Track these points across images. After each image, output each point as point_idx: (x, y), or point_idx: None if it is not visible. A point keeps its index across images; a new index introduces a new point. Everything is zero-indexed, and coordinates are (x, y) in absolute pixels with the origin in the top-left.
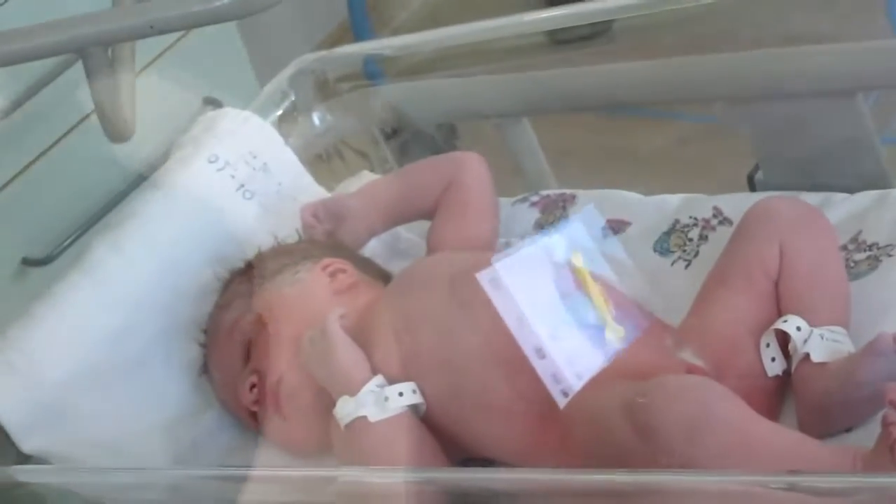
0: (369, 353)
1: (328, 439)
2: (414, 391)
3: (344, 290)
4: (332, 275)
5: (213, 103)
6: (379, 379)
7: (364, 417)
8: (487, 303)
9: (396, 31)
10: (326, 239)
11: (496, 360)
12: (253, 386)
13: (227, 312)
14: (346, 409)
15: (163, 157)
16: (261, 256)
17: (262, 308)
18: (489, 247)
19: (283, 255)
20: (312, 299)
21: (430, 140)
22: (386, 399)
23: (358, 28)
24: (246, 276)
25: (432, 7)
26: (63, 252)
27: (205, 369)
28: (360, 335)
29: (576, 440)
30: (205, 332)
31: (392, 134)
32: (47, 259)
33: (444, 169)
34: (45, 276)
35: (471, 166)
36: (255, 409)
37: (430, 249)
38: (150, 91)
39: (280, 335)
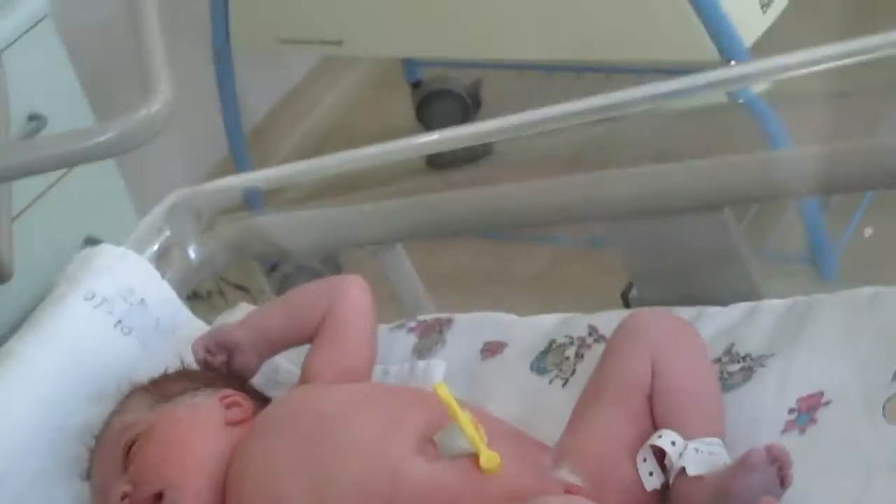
0: (240, 497)
1: None
2: None
3: (236, 422)
4: (228, 406)
5: (93, 243)
6: None
7: None
8: (355, 442)
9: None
10: (223, 370)
11: (374, 498)
12: (125, 496)
13: (119, 420)
14: None
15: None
16: (166, 376)
17: (154, 424)
18: (363, 377)
19: (186, 379)
20: (202, 427)
21: (313, 273)
22: None
23: (238, 162)
24: (147, 391)
25: (315, 140)
26: None
27: (88, 474)
28: (234, 480)
29: None
30: (95, 437)
31: (273, 267)
32: None
33: (325, 296)
34: None
35: (350, 292)
36: None
37: (303, 379)
38: (30, 232)
39: (163, 453)
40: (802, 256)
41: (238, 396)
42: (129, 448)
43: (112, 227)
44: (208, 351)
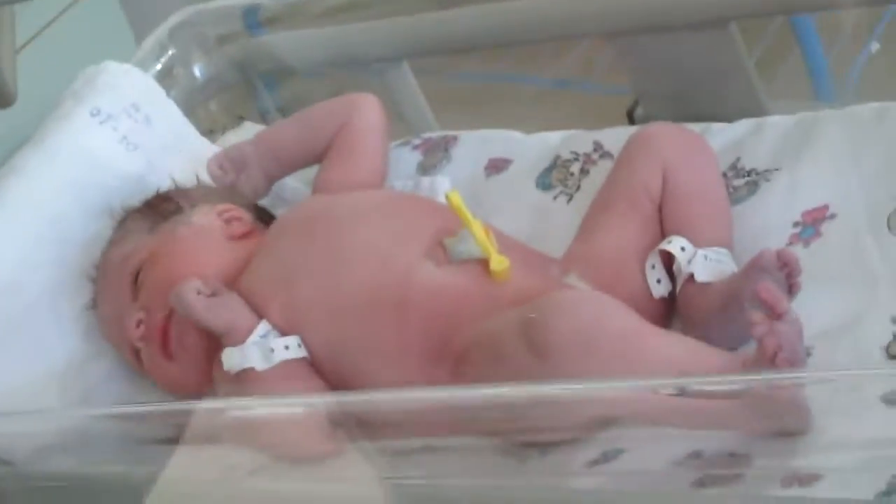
0: (254, 303)
1: (209, 381)
2: (299, 345)
3: (237, 236)
4: (228, 221)
5: None
6: (264, 326)
7: (252, 368)
8: (367, 246)
9: None
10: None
11: (381, 302)
12: (140, 322)
13: (120, 248)
14: (232, 360)
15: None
16: (158, 196)
17: (156, 246)
18: (374, 189)
19: (180, 197)
20: (205, 243)
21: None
22: (272, 350)
23: None
24: (141, 213)
25: None
26: None
27: (93, 304)
28: (246, 285)
29: (471, 373)
30: (96, 267)
31: (274, 84)
32: None
33: (339, 111)
34: None
35: (365, 108)
36: (139, 345)
37: (315, 191)
38: (33, 66)
39: (170, 275)
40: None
41: (237, 210)
42: (136, 276)
43: (111, 55)
44: (221, 167)
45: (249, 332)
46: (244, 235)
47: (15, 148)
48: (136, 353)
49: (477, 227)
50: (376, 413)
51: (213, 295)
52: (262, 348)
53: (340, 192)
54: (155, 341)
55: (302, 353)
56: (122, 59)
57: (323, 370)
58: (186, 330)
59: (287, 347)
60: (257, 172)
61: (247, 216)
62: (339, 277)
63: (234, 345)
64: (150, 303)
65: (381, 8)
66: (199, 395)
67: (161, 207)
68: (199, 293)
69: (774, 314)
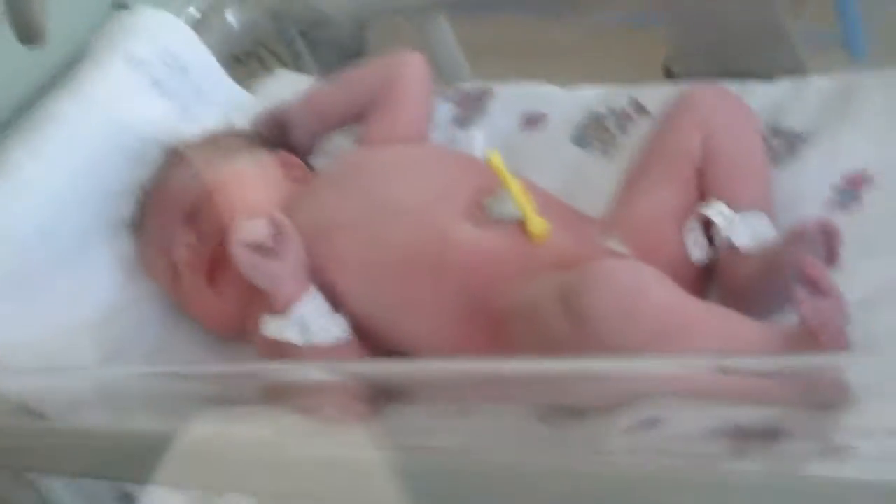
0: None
1: (247, 321)
2: (342, 327)
3: (296, 179)
4: (287, 167)
5: (121, 6)
6: (308, 300)
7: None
8: (407, 202)
9: None
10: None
11: (417, 260)
12: (189, 247)
13: (177, 172)
14: (270, 328)
15: (73, 61)
16: (219, 134)
17: (219, 177)
18: (416, 143)
19: (241, 138)
20: (268, 179)
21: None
22: (310, 331)
23: None
24: (202, 147)
25: None
26: None
27: (134, 225)
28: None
29: (506, 334)
30: (144, 189)
31: (307, 32)
32: None
33: (384, 69)
34: None
35: (411, 66)
36: (181, 269)
37: (360, 143)
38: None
39: (232, 204)
40: (835, 35)
41: (294, 158)
42: (192, 203)
43: None
44: (266, 126)
45: (293, 301)
46: (301, 179)
47: (45, 84)
48: (173, 278)
49: (516, 188)
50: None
51: (278, 234)
52: (301, 325)
53: (383, 145)
54: (202, 268)
55: (341, 334)
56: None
57: (360, 325)
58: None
59: (335, 330)
60: (304, 132)
61: (302, 166)
62: (376, 233)
63: (275, 313)
64: (205, 229)
65: None
66: (234, 331)
67: (224, 142)
68: (253, 242)
69: (819, 291)
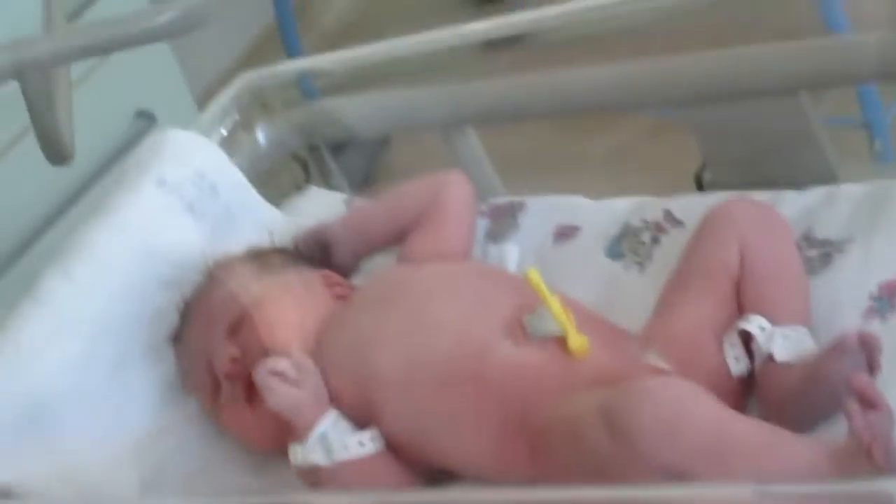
0: (330, 372)
1: (285, 440)
2: (373, 439)
3: (343, 297)
4: (331, 285)
5: (145, 116)
6: (328, 420)
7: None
8: (446, 321)
9: (324, 35)
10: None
11: (457, 380)
12: (235, 360)
13: (222, 286)
14: (296, 456)
15: (97, 173)
16: (263, 250)
17: (264, 292)
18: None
19: (284, 255)
20: (312, 297)
21: (364, 149)
22: (334, 449)
23: (286, 32)
24: (245, 263)
25: (358, 8)
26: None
27: (176, 339)
28: (326, 345)
29: (546, 452)
30: (188, 302)
31: (336, 148)
32: None
33: (427, 188)
34: None
35: (453, 185)
36: (223, 381)
37: (401, 261)
38: (81, 106)
39: (276, 321)
40: (855, 121)
41: (337, 277)
42: (236, 316)
43: (162, 98)
44: (308, 247)
45: (313, 425)
46: (344, 297)
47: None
48: (216, 395)
49: (555, 305)
50: None
51: (299, 372)
52: (324, 445)
53: (423, 262)
54: (244, 382)
55: (367, 449)
56: (173, 98)
57: (397, 444)
58: None
59: (354, 445)
60: (347, 252)
61: (346, 283)
62: (416, 351)
63: (297, 440)
64: (249, 344)
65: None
66: (274, 447)
67: (268, 258)
68: (280, 372)
69: (868, 404)
